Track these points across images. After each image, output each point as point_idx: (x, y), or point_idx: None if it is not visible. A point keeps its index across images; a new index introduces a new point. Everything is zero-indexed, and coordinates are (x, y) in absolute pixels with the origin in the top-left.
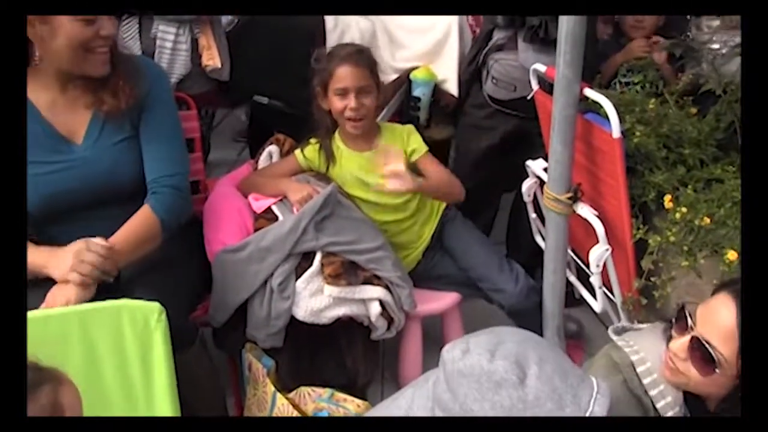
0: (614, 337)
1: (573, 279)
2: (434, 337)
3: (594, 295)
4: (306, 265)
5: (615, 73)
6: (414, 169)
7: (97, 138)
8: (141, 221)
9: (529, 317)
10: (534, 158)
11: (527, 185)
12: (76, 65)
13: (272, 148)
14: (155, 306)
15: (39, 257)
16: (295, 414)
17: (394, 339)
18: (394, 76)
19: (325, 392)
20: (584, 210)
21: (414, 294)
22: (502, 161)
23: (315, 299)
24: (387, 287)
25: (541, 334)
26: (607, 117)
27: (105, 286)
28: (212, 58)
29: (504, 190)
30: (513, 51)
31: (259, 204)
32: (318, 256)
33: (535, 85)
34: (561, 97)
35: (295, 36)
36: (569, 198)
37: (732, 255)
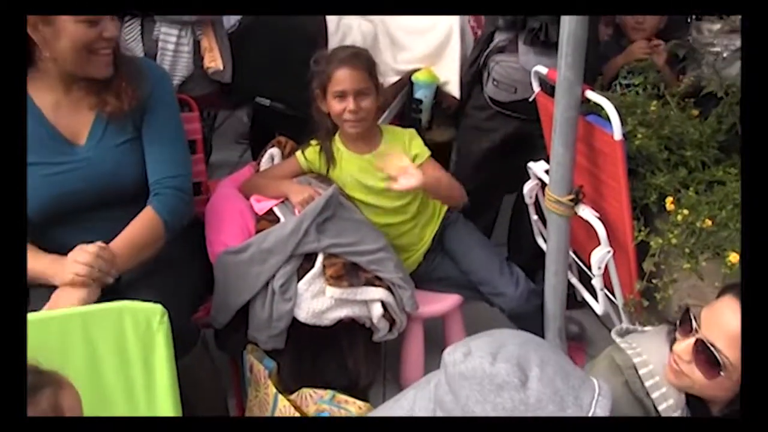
0: (617, 339)
1: (574, 281)
2: (436, 339)
3: (595, 297)
4: (308, 267)
5: (615, 74)
6: None
7: (100, 139)
8: (144, 223)
9: (529, 320)
10: (535, 160)
11: (529, 187)
12: (79, 67)
13: (274, 150)
14: (157, 307)
15: (42, 265)
16: (297, 416)
17: (395, 340)
18: (396, 79)
19: (327, 394)
20: (586, 212)
21: (416, 295)
22: (503, 163)
23: (317, 301)
24: (389, 288)
25: (542, 337)
26: (608, 119)
27: (107, 288)
28: (214, 60)
29: (505, 191)
30: (514, 53)
31: (261, 205)
32: (320, 258)
33: (536, 87)
34: (562, 99)
35: (296, 38)
36: (571, 200)
37: (734, 257)
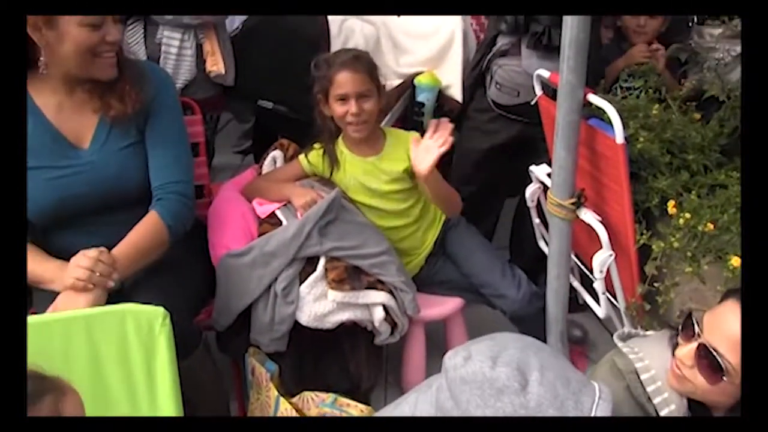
0: (619, 344)
1: (576, 284)
2: (437, 342)
3: (597, 301)
4: (310, 270)
5: (616, 78)
6: (414, 176)
7: (104, 142)
8: (148, 228)
9: (531, 323)
10: (537, 163)
11: (530, 190)
12: (83, 69)
13: (276, 153)
14: (159, 310)
15: (46, 271)
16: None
17: (397, 344)
18: (398, 82)
19: (329, 397)
20: (588, 215)
21: (417, 299)
22: (505, 165)
23: (319, 304)
24: (391, 292)
25: (544, 340)
26: (610, 122)
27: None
28: (216, 64)
29: (507, 195)
30: (516, 57)
31: (263, 209)
32: (322, 261)
33: (538, 91)
34: (564, 102)
35: (299, 41)
36: (573, 203)
37: (736, 261)
